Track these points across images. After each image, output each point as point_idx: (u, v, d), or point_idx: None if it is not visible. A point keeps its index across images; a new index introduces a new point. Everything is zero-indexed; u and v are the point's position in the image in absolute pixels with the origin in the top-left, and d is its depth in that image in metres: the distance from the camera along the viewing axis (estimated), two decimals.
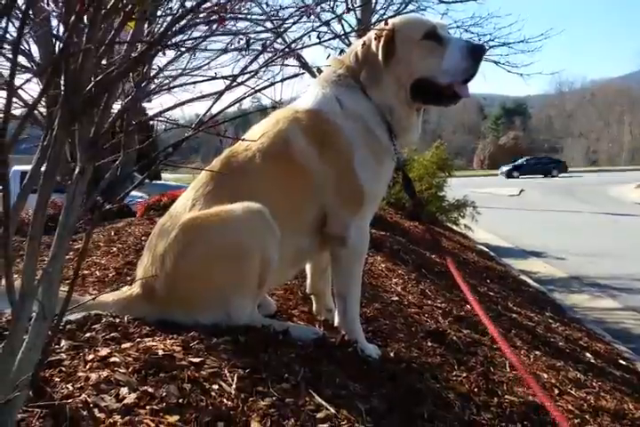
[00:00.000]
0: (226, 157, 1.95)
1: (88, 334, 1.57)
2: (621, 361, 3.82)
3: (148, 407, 1.10)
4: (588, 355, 3.60)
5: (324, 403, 1.33)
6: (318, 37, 1.60)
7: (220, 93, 1.87)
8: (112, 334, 1.58)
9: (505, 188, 25.56)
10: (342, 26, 4.49)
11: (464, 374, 2.24)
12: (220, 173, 1.88)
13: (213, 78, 1.85)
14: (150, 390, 1.17)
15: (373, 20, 4.63)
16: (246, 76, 1.62)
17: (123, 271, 2.70)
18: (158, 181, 19.02)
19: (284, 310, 2.31)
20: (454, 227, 9.96)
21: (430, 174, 8.60)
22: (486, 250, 9.02)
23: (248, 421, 1.18)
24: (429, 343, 2.48)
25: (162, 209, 6.42)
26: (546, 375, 2.61)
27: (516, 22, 7.25)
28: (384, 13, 4.80)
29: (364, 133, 1.94)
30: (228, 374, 1.34)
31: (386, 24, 1.97)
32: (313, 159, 1.89)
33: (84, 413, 1.05)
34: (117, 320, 1.70)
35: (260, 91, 1.64)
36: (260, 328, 1.80)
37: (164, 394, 1.16)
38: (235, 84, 1.64)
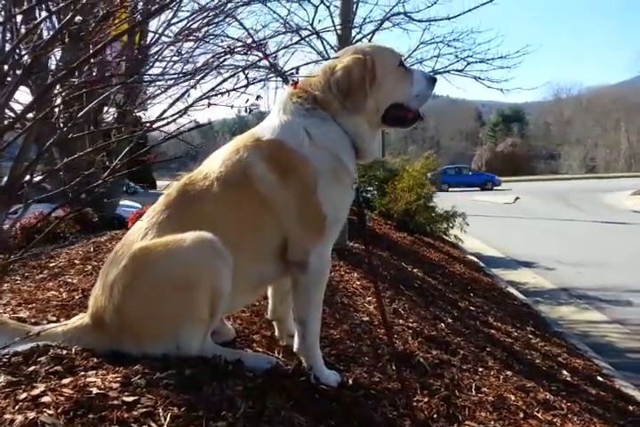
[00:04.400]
0: (183, 185, 1.94)
1: (32, 368, 1.56)
2: (599, 377, 3.81)
3: None
4: (564, 372, 3.59)
5: None
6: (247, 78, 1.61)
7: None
8: (56, 368, 1.57)
9: (501, 195, 25.60)
10: (322, 42, 4.53)
11: (425, 399, 2.24)
12: (175, 201, 1.89)
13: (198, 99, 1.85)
14: None
15: (354, 36, 4.65)
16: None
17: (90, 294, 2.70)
18: (153, 190, 19.06)
19: (245, 335, 2.31)
20: (447, 237, 9.96)
21: (419, 185, 8.61)
22: (476, 260, 9.02)
23: None
24: (394, 367, 2.47)
25: None
26: (513, 397, 2.60)
27: (495, 38, 7.29)
28: (360, 31, 4.84)
29: (331, 163, 1.95)
30: (161, 414, 1.33)
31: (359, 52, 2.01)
32: (274, 189, 1.88)
33: None
34: (65, 352, 1.69)
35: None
36: (211, 359, 1.79)
37: None
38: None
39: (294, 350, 2.08)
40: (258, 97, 1.77)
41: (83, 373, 1.57)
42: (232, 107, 1.79)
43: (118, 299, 1.74)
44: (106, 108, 5.21)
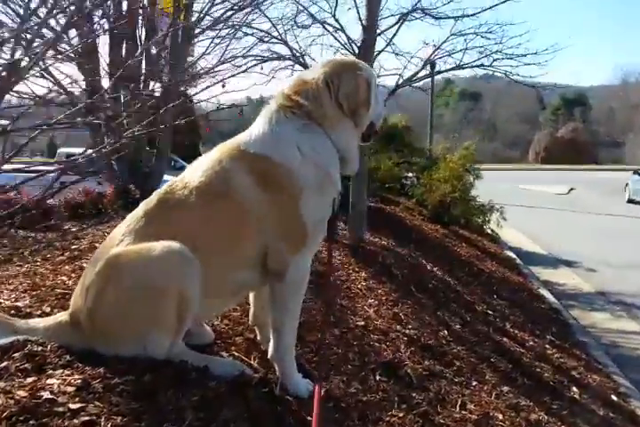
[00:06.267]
0: (163, 193, 1.97)
1: (4, 364, 1.66)
2: (613, 397, 3.64)
3: None
4: (574, 389, 3.46)
5: None
6: None
7: None
8: (25, 365, 1.66)
9: (554, 185, 24.42)
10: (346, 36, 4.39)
11: (400, 414, 2.21)
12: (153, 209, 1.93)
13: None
14: None
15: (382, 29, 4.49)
16: None
17: None
18: None
19: (228, 336, 2.35)
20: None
21: (456, 177, 8.36)
22: (513, 257, 8.73)
23: None
24: (377, 377, 2.45)
25: None
26: (501, 416, 2.53)
27: (527, 32, 6.76)
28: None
29: (319, 178, 1.97)
30: (102, 423, 1.39)
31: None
32: (257, 201, 1.89)
33: None
34: (40, 349, 1.78)
35: None
36: (178, 363, 1.84)
37: None
38: None
39: (269, 356, 2.11)
40: None
41: (50, 371, 1.65)
42: None
43: (91, 302, 1.80)
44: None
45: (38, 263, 3.29)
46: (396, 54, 4.74)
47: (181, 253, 1.79)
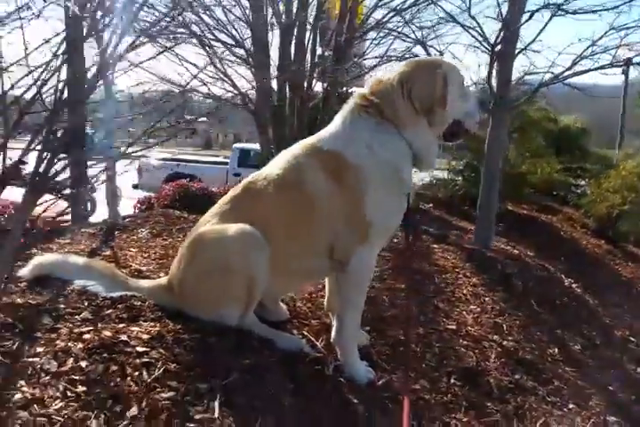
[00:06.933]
0: (247, 183, 2.21)
1: (108, 311, 2.05)
2: None
3: (66, 377, 1.52)
4: None
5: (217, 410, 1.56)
6: None
7: None
8: (124, 315, 2.03)
9: None
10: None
11: (465, 419, 2.12)
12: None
13: None
14: (84, 363, 1.58)
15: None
16: None
17: None
18: None
19: (305, 318, 2.50)
20: None
21: (628, 187, 7.27)
22: None
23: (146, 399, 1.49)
24: (452, 380, 2.37)
25: None
26: None
27: None
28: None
29: (388, 175, 2.05)
30: (159, 366, 1.66)
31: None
32: (327, 195, 2.03)
33: None
34: (139, 304, 2.15)
35: None
36: (246, 332, 2.06)
37: (91, 368, 1.56)
38: None
39: (331, 340, 2.22)
40: None
41: (140, 322, 2.00)
42: None
43: (180, 271, 2.14)
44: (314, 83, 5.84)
45: (179, 239, 3.82)
46: (535, 51, 4.37)
47: (252, 235, 2.02)
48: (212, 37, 6.02)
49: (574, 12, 4.12)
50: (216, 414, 1.53)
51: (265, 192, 2.12)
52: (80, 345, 1.68)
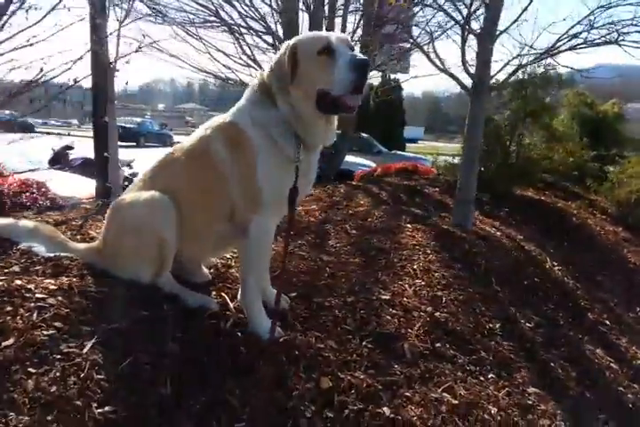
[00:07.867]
0: (168, 154, 2.41)
1: (39, 267, 2.30)
2: None
3: None
4: None
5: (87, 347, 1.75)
6: None
7: None
8: (50, 270, 2.26)
9: None
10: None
11: (361, 376, 2.16)
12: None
13: None
14: None
15: None
16: None
17: None
18: (399, 152, 19.94)
19: (231, 282, 2.66)
20: None
21: None
22: None
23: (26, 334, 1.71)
24: (363, 343, 2.44)
25: (373, 178, 7.19)
26: (494, 411, 2.25)
27: None
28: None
29: (267, 142, 2.16)
30: (52, 311, 1.88)
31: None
32: (226, 162, 2.19)
33: None
34: (68, 262, 2.38)
35: None
36: (153, 290, 2.26)
37: None
38: None
39: (237, 302, 2.39)
40: None
41: (63, 277, 2.23)
42: None
43: (103, 234, 2.39)
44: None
45: None
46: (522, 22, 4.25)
47: (160, 200, 2.22)
48: (243, 25, 6.32)
49: None
50: (85, 350, 1.73)
51: (177, 162, 2.31)
52: None
